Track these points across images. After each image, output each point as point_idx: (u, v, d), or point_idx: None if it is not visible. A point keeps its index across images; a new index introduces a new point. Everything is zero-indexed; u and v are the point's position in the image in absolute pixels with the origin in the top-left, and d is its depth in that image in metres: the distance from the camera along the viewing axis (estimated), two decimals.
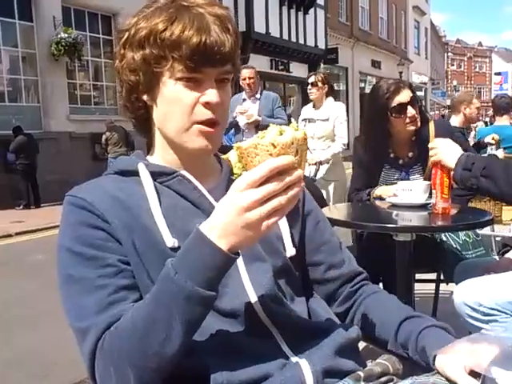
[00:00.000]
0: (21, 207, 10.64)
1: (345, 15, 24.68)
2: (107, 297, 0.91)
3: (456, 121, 5.37)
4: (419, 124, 2.51)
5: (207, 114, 0.98)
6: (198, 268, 0.81)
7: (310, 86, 5.10)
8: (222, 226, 0.80)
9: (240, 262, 1.00)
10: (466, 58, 74.60)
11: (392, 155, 2.61)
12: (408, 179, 2.55)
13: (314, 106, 5.22)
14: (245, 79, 5.44)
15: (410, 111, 2.47)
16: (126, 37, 1.00)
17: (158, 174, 1.03)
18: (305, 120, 5.26)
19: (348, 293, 1.16)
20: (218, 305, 0.94)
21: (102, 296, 0.91)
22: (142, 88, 1.01)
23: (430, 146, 1.97)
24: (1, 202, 9.86)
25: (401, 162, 2.61)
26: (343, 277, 1.16)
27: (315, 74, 5.22)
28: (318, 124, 5.11)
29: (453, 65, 71.53)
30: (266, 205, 0.78)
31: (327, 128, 5.10)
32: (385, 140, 2.58)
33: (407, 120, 2.48)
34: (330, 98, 5.19)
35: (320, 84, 5.06)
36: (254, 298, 0.99)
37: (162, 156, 1.07)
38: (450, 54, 67.98)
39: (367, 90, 27.59)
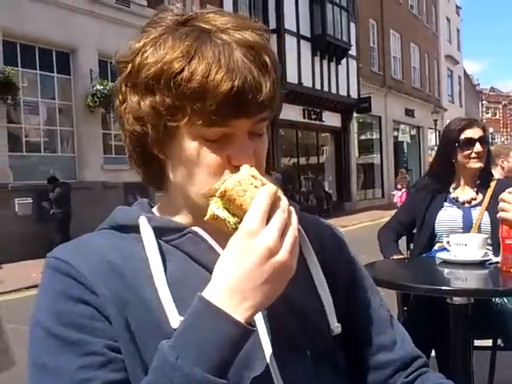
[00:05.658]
0: None
1: (377, 65, 24.77)
2: None
3: (495, 174, 5.24)
4: (483, 165, 2.44)
5: None
6: (207, 349, 0.61)
7: None
8: (238, 286, 0.62)
9: (267, 346, 0.76)
10: (500, 106, 73.74)
11: (453, 192, 2.53)
12: (471, 218, 2.43)
13: None
14: None
15: (478, 148, 2.40)
16: (128, 70, 0.77)
17: (163, 231, 0.81)
18: None
19: (402, 383, 0.90)
20: None
21: None
22: (152, 141, 0.78)
23: (501, 196, 1.74)
24: (32, 252, 9.84)
25: (461, 200, 2.50)
26: (396, 362, 0.90)
27: None
28: None
29: (487, 113, 70.71)
30: (286, 236, 0.65)
31: None
32: (448, 174, 2.54)
33: (473, 155, 2.41)
34: None
35: None
36: None
37: (172, 207, 0.85)
38: (484, 102, 67.37)
39: (401, 139, 27.36)
